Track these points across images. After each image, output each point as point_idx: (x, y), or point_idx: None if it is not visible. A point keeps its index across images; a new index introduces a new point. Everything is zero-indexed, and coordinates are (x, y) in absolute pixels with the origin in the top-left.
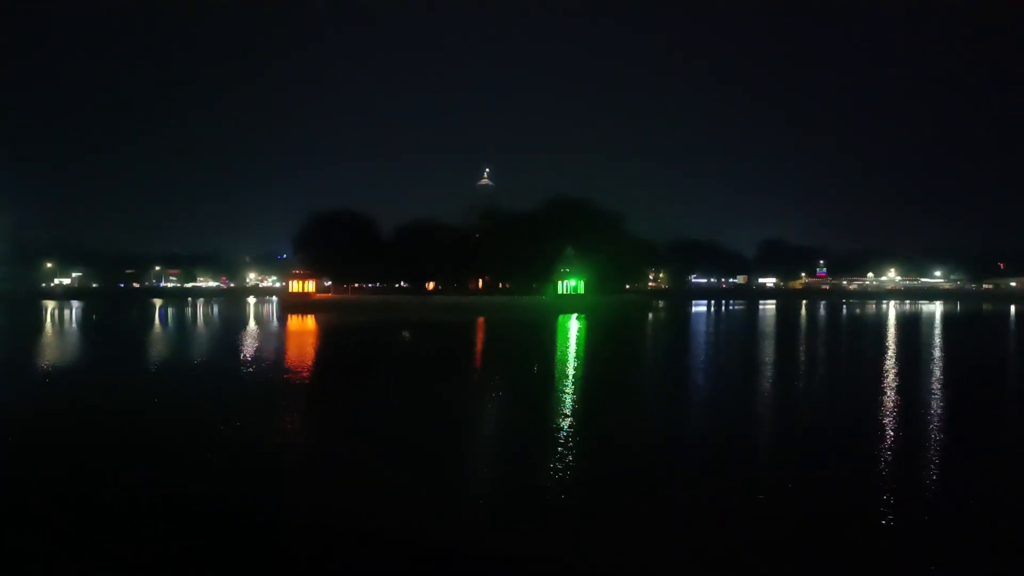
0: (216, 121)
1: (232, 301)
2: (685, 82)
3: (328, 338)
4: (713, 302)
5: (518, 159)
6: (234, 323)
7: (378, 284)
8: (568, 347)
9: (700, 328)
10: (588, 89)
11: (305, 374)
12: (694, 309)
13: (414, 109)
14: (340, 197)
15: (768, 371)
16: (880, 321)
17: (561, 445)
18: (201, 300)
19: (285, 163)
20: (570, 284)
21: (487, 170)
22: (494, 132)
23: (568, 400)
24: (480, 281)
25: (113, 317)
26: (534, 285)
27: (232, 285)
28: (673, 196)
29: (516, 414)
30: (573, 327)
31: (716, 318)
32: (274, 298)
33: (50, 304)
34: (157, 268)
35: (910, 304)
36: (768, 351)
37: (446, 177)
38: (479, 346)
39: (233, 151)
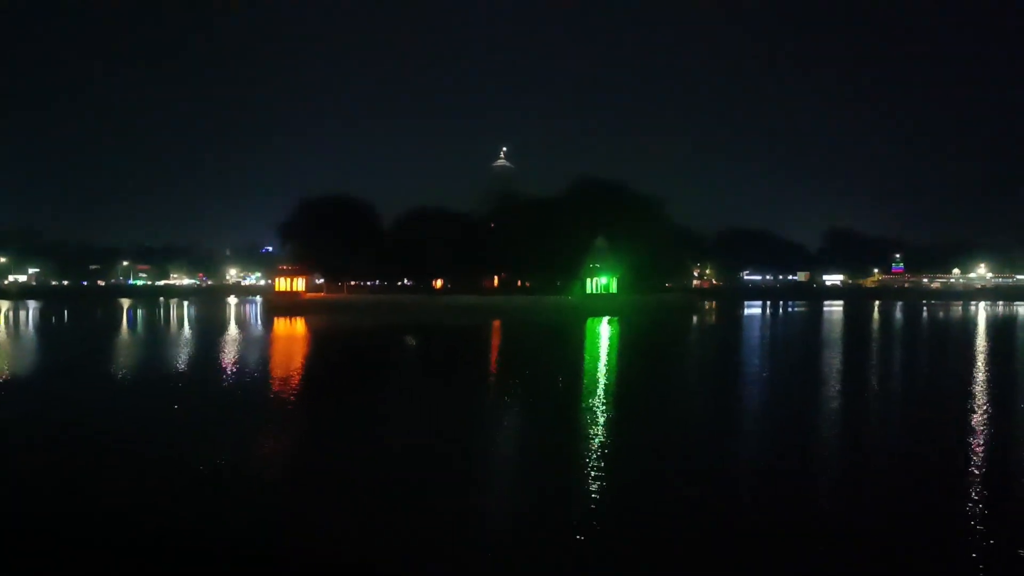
0: (192, 99)
1: (210, 301)
2: (734, 50)
3: (319, 347)
4: (769, 303)
5: (540, 137)
6: (211, 328)
7: (377, 282)
8: (598, 359)
9: (755, 337)
10: (621, 57)
11: (291, 394)
12: (747, 311)
13: (420, 81)
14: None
15: (849, 403)
16: (974, 329)
17: (597, 496)
18: (175, 300)
19: (271, 145)
20: (601, 282)
21: (504, 149)
22: (513, 107)
23: (603, 432)
24: (495, 278)
25: (73, 320)
26: (558, 283)
27: (210, 282)
28: (721, 180)
29: (544, 450)
30: (604, 333)
31: (774, 324)
32: (258, 298)
33: (1, 305)
34: (125, 263)
35: (1005, 306)
36: (843, 373)
37: (457, 159)
38: (494, 356)
39: (212, 132)
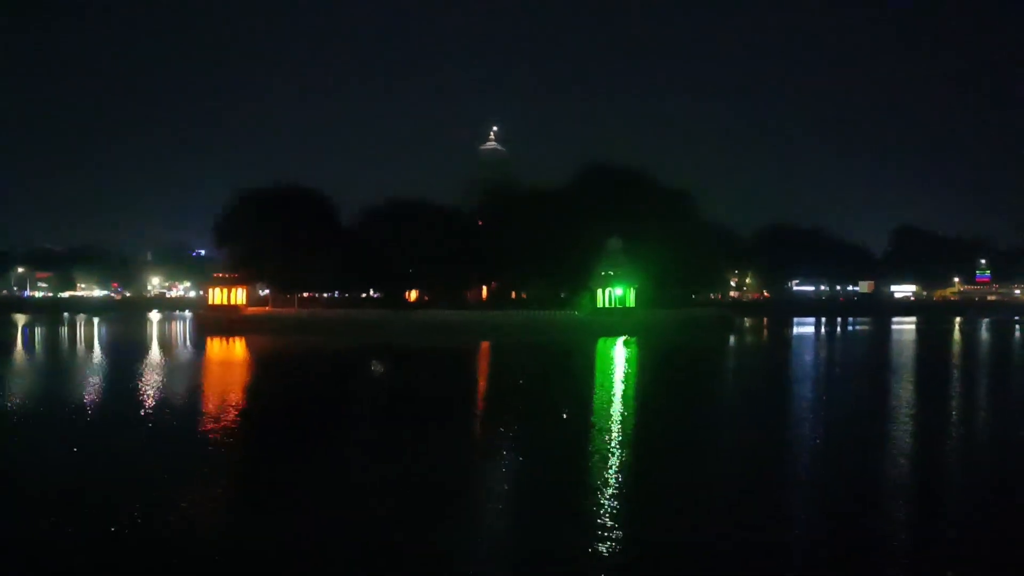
0: (104, 68)
1: (126, 318)
2: (776, 10)
3: (261, 380)
4: (825, 321)
5: (538, 119)
6: (122, 354)
7: (337, 293)
8: (612, 392)
9: (812, 370)
10: (634, 24)
11: (219, 442)
12: (796, 331)
13: (390, 52)
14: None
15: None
16: None
17: None
18: (81, 317)
19: (206, 127)
20: (615, 293)
21: (494, 129)
22: (504, 82)
23: (616, 496)
24: (484, 289)
25: None
26: (563, 295)
27: (127, 294)
28: (762, 169)
29: (540, 525)
30: (619, 358)
31: (832, 350)
32: (187, 313)
33: None
34: (20, 271)
35: None
36: (947, 439)
37: (437, 144)
38: (480, 393)
39: (130, 109)
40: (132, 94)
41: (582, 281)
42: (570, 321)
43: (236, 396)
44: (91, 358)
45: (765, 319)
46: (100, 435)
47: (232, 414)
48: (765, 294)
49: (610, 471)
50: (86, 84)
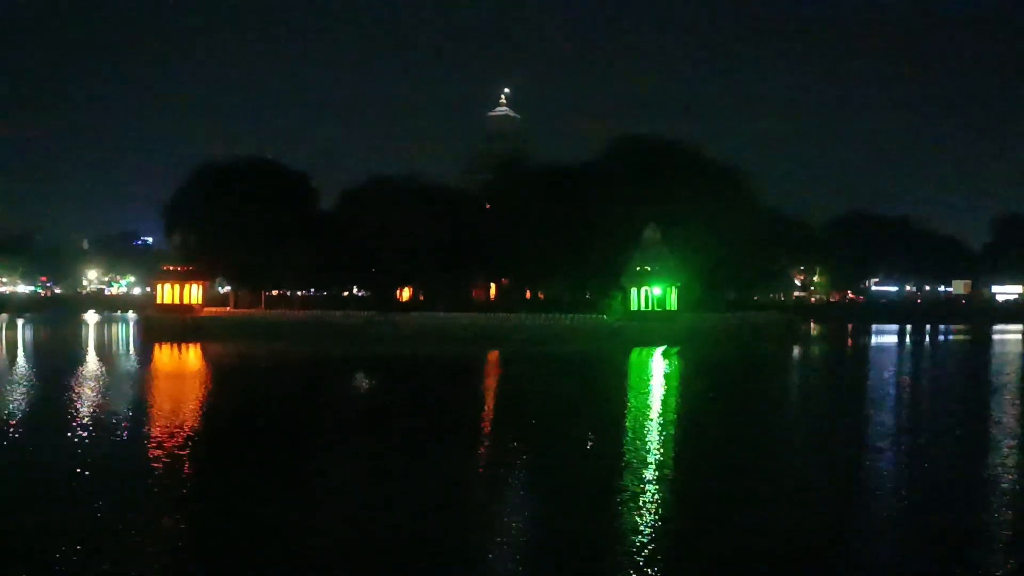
0: (29, 28)
1: (54, 320)
2: None
3: (219, 396)
4: (910, 327)
5: (561, 79)
6: (48, 366)
7: (313, 291)
8: (648, 418)
9: (895, 387)
10: None
11: (162, 478)
12: (876, 340)
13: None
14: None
15: None
16: None
17: None
18: (3, 318)
19: (158, 94)
20: (653, 293)
21: (506, 91)
22: (519, 40)
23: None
24: (493, 287)
25: None
26: (588, 295)
27: (58, 291)
28: (831, 148)
29: None
30: (658, 374)
31: (923, 367)
32: (131, 315)
33: None
34: None
35: None
36: None
37: (437, 112)
38: (487, 411)
39: (61, 74)
40: (65, 52)
41: (612, 278)
42: (597, 327)
43: (186, 421)
44: (5, 373)
45: (839, 326)
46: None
47: (180, 443)
48: (850, 295)
49: (643, 523)
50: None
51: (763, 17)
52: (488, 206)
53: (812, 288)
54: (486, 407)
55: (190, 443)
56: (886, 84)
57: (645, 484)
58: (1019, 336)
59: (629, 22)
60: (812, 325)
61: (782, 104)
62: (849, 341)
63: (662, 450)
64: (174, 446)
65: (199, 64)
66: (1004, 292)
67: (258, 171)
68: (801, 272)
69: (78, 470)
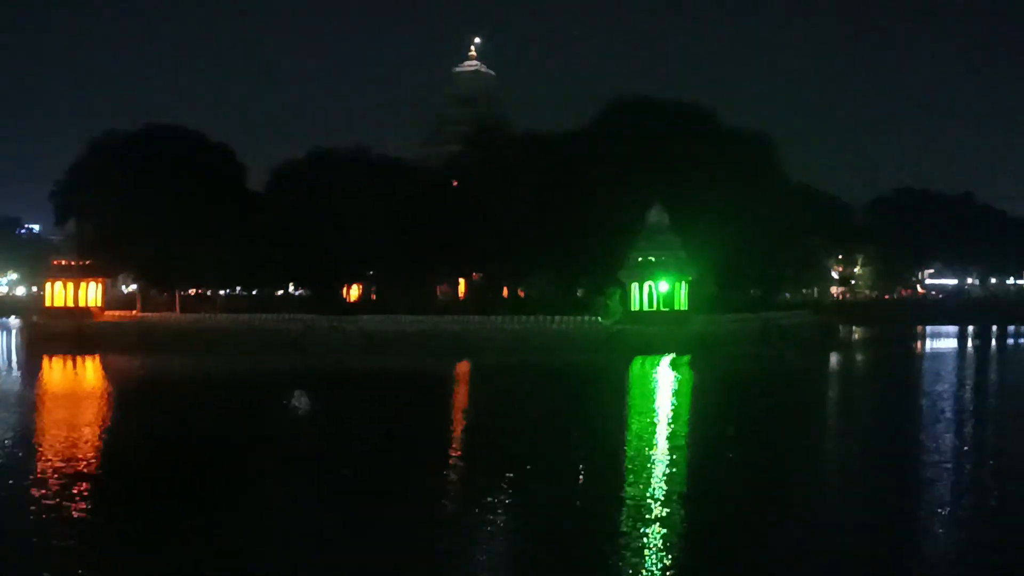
0: None
1: None
2: None
3: (121, 422)
4: (973, 332)
5: (540, 39)
6: None
7: (240, 290)
8: (650, 445)
9: (964, 413)
10: None
11: (47, 524)
12: (933, 346)
13: None
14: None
15: None
16: None
17: None
18: None
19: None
20: (659, 289)
21: (476, 42)
22: None
23: None
24: (462, 283)
25: None
26: (579, 292)
27: None
28: (882, 115)
29: None
30: (664, 393)
31: (987, 383)
32: (12, 321)
33: None
34: None
35: None
36: None
37: (390, 69)
38: (456, 447)
39: None
40: None
41: (608, 272)
42: (591, 332)
43: (79, 455)
44: None
45: (887, 328)
46: None
47: (69, 483)
48: (902, 291)
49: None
50: None
51: None
52: (455, 183)
53: (855, 282)
54: (454, 436)
55: (82, 484)
56: (940, 38)
57: (647, 533)
58: None
59: None
60: (854, 328)
61: (812, 64)
62: (901, 348)
63: (667, 490)
64: (62, 488)
65: (102, 21)
66: None
67: (170, 143)
68: (840, 263)
69: None
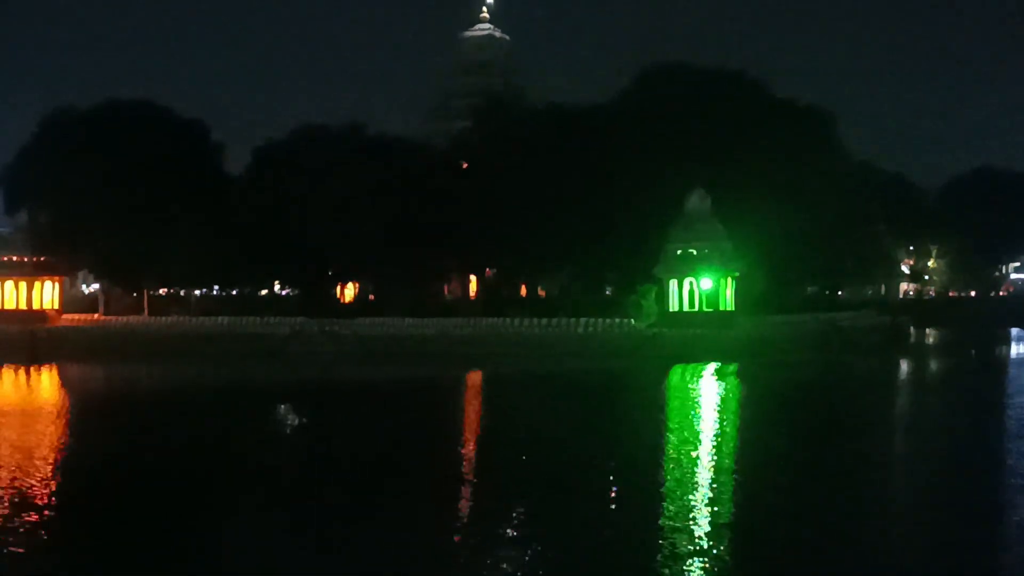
0: None
1: None
2: None
3: (85, 443)
4: None
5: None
6: None
7: (217, 290)
8: (694, 481)
9: None
10: None
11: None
12: (1014, 350)
13: None
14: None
15: None
16: None
17: None
18: None
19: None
20: (700, 287)
21: (488, 2)
22: None
23: None
24: (473, 280)
25: None
26: (608, 290)
27: None
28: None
29: None
30: (708, 407)
31: None
32: None
33: None
34: None
35: None
36: None
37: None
38: (465, 463)
39: None
40: None
41: (642, 267)
42: (622, 336)
43: (31, 478)
44: None
45: (965, 330)
46: None
47: (18, 508)
48: (934, 291)
49: None
50: None
51: None
52: (465, 165)
53: (927, 277)
54: (464, 457)
55: (30, 515)
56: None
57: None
58: None
59: None
60: (927, 331)
61: (878, 36)
62: (984, 354)
63: (711, 520)
64: (13, 526)
65: None
66: None
67: (135, 120)
68: (912, 255)
69: None
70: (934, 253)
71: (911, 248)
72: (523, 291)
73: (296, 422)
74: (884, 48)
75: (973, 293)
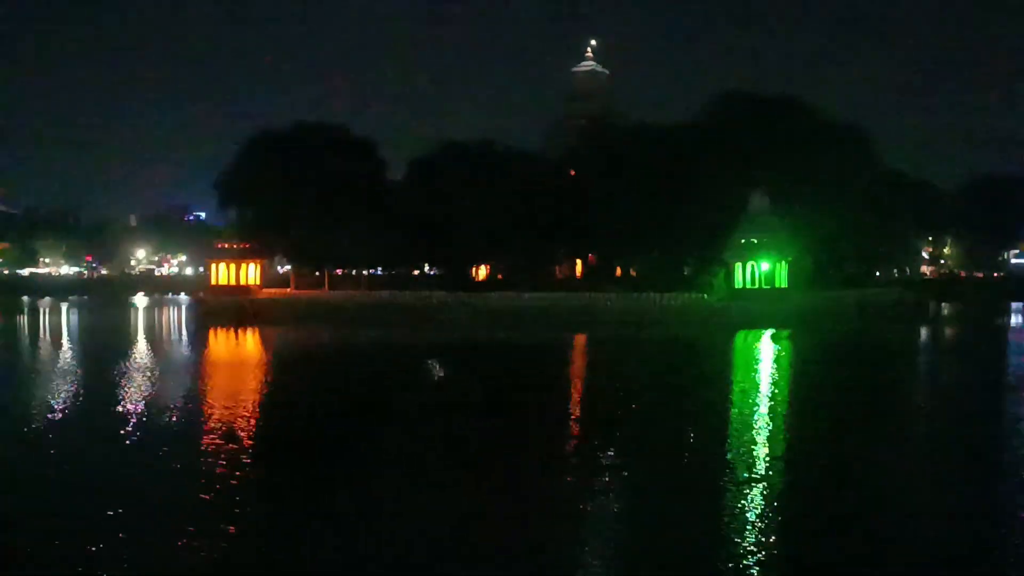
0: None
1: (101, 304)
2: None
3: (283, 386)
4: None
5: (648, 43)
6: (99, 353)
7: (381, 270)
8: (755, 422)
9: None
10: None
11: (235, 481)
12: (1018, 320)
13: None
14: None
15: None
16: None
17: None
18: (46, 302)
19: (210, 64)
20: (760, 269)
21: (592, 44)
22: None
23: None
24: (579, 263)
25: None
26: (686, 271)
27: (104, 271)
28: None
29: None
30: (766, 367)
31: None
32: (182, 297)
33: None
34: None
35: None
36: None
37: (515, 72)
38: (570, 403)
39: (106, 43)
40: (107, 21)
41: (713, 252)
42: (697, 308)
43: (244, 409)
44: (58, 360)
45: (974, 305)
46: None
47: (237, 446)
48: (995, 275)
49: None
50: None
51: None
52: (572, 173)
53: (944, 262)
54: (570, 400)
55: (250, 443)
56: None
57: (744, 486)
58: None
59: None
60: (943, 305)
61: (903, 55)
62: (989, 322)
63: (768, 452)
64: (232, 450)
65: (255, 28)
66: None
67: (320, 139)
68: (931, 244)
69: (127, 477)
70: (949, 242)
71: (930, 238)
72: (618, 272)
73: (441, 372)
74: (922, 72)
75: (980, 274)
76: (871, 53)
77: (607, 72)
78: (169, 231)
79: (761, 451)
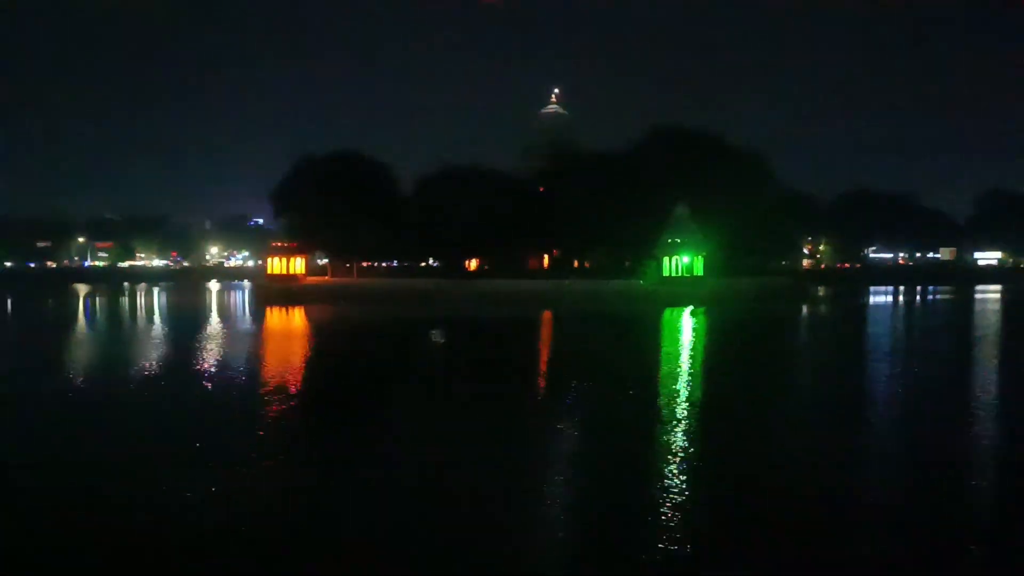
0: (160, 43)
1: (185, 287)
2: None
3: (325, 346)
4: (903, 289)
5: (599, 86)
6: (185, 325)
7: (395, 262)
8: (679, 364)
9: (887, 331)
10: None
11: (293, 418)
12: (874, 300)
13: (445, 14)
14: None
15: None
16: None
17: None
18: (142, 286)
19: (262, 97)
20: (682, 261)
21: (555, 91)
22: (565, 49)
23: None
24: (545, 257)
25: (15, 314)
26: (627, 263)
27: (186, 264)
28: (835, 133)
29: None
30: (687, 329)
31: (912, 320)
32: (245, 283)
33: None
34: (81, 240)
35: None
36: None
37: (494, 109)
38: (542, 360)
39: (189, 82)
40: (187, 64)
41: (647, 249)
42: (635, 291)
43: (293, 366)
44: (155, 328)
45: (841, 289)
46: (164, 406)
47: (300, 386)
48: (857, 265)
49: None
50: (139, 52)
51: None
52: (541, 188)
53: (819, 256)
54: (541, 357)
55: (305, 392)
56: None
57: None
58: (997, 295)
59: (662, 35)
60: (819, 288)
61: (798, 95)
62: (845, 300)
63: (688, 394)
64: (292, 392)
65: (304, 72)
66: (985, 258)
67: (349, 163)
68: (810, 242)
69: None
70: (823, 240)
71: (809, 237)
72: (575, 264)
73: (443, 337)
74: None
75: (846, 265)
76: (774, 82)
77: (566, 113)
78: (235, 233)
79: (684, 391)
